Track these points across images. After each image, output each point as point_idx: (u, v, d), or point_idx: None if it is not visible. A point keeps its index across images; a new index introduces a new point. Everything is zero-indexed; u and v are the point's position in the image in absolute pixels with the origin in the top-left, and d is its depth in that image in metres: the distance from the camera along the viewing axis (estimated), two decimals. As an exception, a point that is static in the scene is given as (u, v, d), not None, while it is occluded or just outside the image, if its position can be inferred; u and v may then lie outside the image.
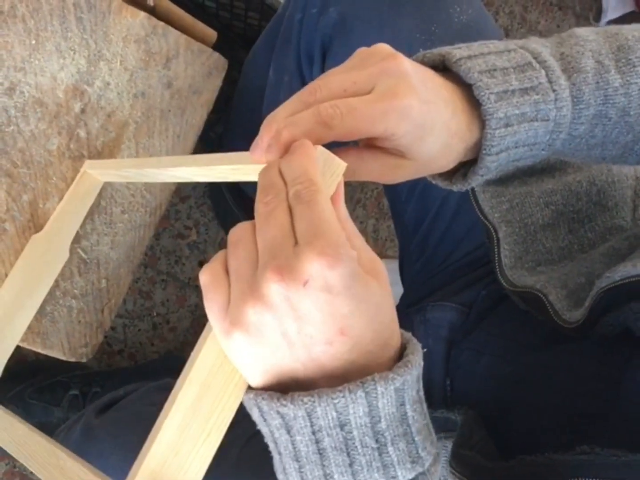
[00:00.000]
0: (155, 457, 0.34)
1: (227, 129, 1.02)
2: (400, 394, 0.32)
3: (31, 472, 0.57)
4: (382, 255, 1.34)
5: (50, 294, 0.69)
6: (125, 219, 0.75)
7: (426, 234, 0.74)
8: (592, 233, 0.62)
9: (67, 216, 0.69)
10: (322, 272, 0.30)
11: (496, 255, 0.62)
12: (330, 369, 0.32)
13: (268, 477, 0.37)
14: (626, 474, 0.41)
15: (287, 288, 0.30)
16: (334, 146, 0.37)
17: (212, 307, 0.33)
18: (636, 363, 0.49)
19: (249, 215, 0.67)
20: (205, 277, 0.34)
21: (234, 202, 1.08)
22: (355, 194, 1.31)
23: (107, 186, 0.73)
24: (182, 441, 0.34)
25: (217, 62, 0.80)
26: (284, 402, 0.32)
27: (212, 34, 0.81)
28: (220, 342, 0.34)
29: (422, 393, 0.35)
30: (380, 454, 0.32)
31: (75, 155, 0.71)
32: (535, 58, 0.42)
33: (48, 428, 0.85)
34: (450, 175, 0.46)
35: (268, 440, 0.35)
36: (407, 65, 0.38)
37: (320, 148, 0.35)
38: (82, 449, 0.63)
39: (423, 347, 0.35)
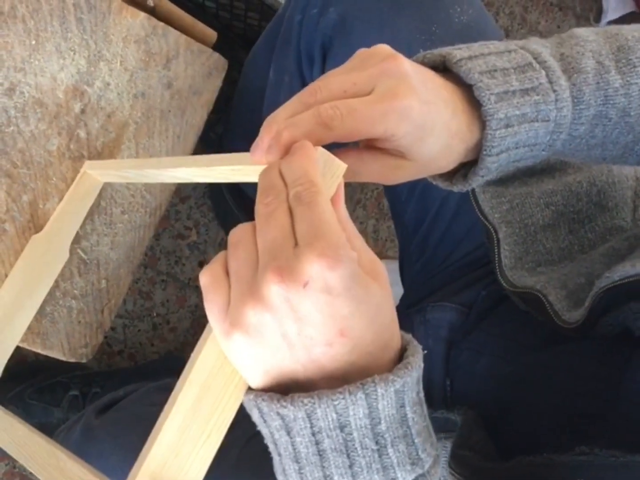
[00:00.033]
0: (156, 459, 0.34)
1: (227, 129, 1.02)
2: (400, 395, 0.32)
3: (31, 473, 0.57)
4: (382, 255, 1.34)
5: (50, 294, 0.69)
6: (125, 219, 0.75)
7: (426, 235, 0.74)
8: (592, 234, 0.62)
9: (67, 217, 0.69)
10: (322, 274, 0.30)
11: (496, 256, 0.62)
12: (330, 370, 0.32)
13: (268, 477, 0.37)
14: (625, 475, 0.41)
15: (287, 289, 0.30)
16: (335, 147, 0.37)
17: (212, 308, 0.33)
18: (636, 363, 0.49)
19: (249, 215, 0.67)
20: (205, 278, 0.34)
21: (234, 203, 1.08)
22: (355, 194, 1.31)
23: (107, 187, 0.73)
24: (182, 442, 0.34)
25: (217, 63, 0.80)
26: (284, 404, 0.32)
27: (212, 34, 0.81)
28: (220, 343, 0.34)
29: (422, 395, 0.35)
30: (380, 456, 0.32)
31: (75, 155, 0.71)
32: (535, 58, 0.42)
33: (48, 428, 0.85)
34: (450, 176, 0.46)
35: (268, 441, 0.35)
36: (407, 66, 0.38)
37: (321, 149, 0.35)
38: (82, 449, 0.63)
39: (423, 348, 0.35)
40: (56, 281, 0.69)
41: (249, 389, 0.35)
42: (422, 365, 0.34)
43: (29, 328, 0.67)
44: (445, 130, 0.39)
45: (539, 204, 0.63)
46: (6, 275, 0.66)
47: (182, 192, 1.13)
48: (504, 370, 0.59)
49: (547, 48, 0.43)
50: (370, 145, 0.40)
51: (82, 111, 0.71)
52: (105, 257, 0.74)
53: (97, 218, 0.73)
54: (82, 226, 0.71)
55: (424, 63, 0.42)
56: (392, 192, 0.77)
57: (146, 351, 1.09)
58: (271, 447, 0.35)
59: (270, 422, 0.33)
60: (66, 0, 0.69)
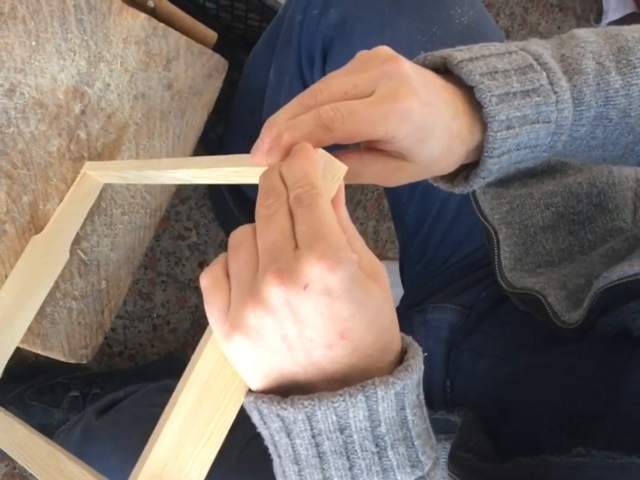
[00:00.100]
0: (156, 460, 0.34)
1: (228, 130, 1.02)
2: (400, 398, 0.32)
3: (31, 474, 0.57)
4: (382, 256, 1.34)
5: (50, 295, 0.69)
6: (125, 220, 0.75)
7: (427, 236, 0.74)
8: (593, 235, 0.62)
9: (67, 217, 0.69)
10: (323, 276, 0.30)
11: (496, 257, 0.62)
12: (330, 372, 0.32)
13: (268, 479, 0.37)
14: (622, 477, 0.41)
15: (287, 291, 0.30)
16: (335, 149, 0.37)
17: (213, 310, 0.33)
18: (635, 363, 0.49)
19: (249, 216, 0.67)
20: (205, 280, 0.34)
21: (234, 204, 1.08)
22: (356, 195, 1.31)
23: (107, 187, 0.73)
24: (182, 444, 0.34)
25: (218, 64, 0.80)
26: (284, 406, 0.32)
27: (212, 35, 0.81)
28: (221, 345, 0.34)
29: (422, 397, 0.35)
30: (380, 458, 0.32)
31: (75, 156, 0.71)
32: (536, 60, 0.42)
33: (48, 429, 0.85)
34: (451, 177, 0.46)
35: (268, 443, 0.35)
36: (407, 67, 0.38)
37: (321, 151, 0.35)
38: (82, 450, 0.63)
39: (423, 349, 0.35)
40: (56, 282, 0.69)
41: (249, 390, 0.35)
42: (422, 367, 0.34)
43: (29, 329, 0.67)
44: (446, 132, 0.39)
45: (539, 205, 0.63)
46: (6, 276, 0.66)
47: (183, 193, 1.13)
48: (504, 371, 0.59)
49: (547, 49, 0.43)
50: (371, 147, 0.40)
51: (83, 112, 0.71)
52: (106, 258, 0.74)
53: (97, 219, 0.73)
54: (82, 227, 0.71)
55: (424, 65, 0.42)
56: (393, 194, 0.77)
57: (146, 352, 1.09)
58: (271, 449, 0.35)
59: (270, 424, 0.33)
60: (66, 1, 0.69)
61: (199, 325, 1.14)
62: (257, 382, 0.34)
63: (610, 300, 0.49)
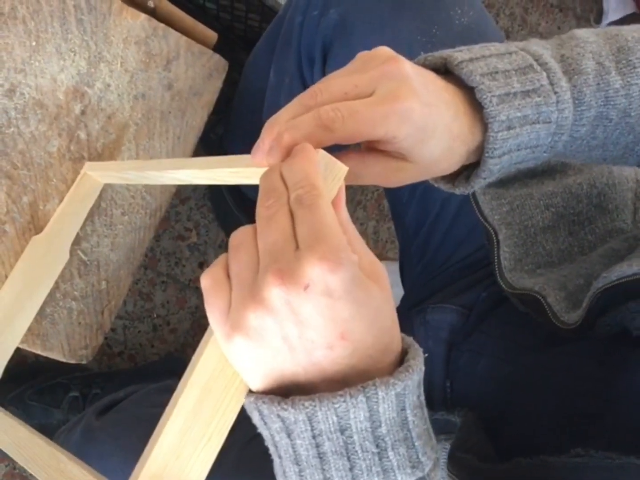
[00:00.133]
0: (157, 461, 0.34)
1: (228, 130, 1.02)
2: (401, 399, 0.32)
3: (31, 475, 0.57)
4: (382, 257, 1.34)
5: (50, 295, 0.69)
6: (125, 220, 0.75)
7: (427, 236, 0.74)
8: (593, 235, 0.62)
9: (67, 218, 0.69)
10: (323, 277, 0.30)
11: (496, 258, 0.62)
12: (331, 373, 0.32)
13: (268, 479, 0.37)
14: (621, 477, 0.41)
15: (288, 292, 0.30)
16: (336, 149, 0.37)
17: (213, 311, 0.33)
18: (634, 363, 0.49)
19: (250, 216, 0.67)
20: (206, 281, 0.34)
21: (234, 204, 1.08)
22: (356, 195, 1.31)
23: (107, 188, 0.73)
24: (183, 445, 0.34)
25: (218, 64, 0.80)
26: (285, 406, 0.32)
27: (212, 35, 0.81)
28: (221, 346, 0.34)
29: (422, 398, 0.35)
30: (380, 459, 0.32)
31: (75, 157, 0.71)
32: (536, 60, 0.42)
33: (48, 430, 0.85)
34: (452, 178, 0.46)
35: (268, 443, 0.35)
36: (408, 68, 0.38)
37: (322, 152, 0.35)
38: (82, 450, 0.63)
39: (423, 350, 0.35)
40: (56, 282, 0.69)
41: (250, 391, 0.35)
42: (423, 368, 0.34)
43: (29, 329, 0.67)
44: (447, 132, 0.39)
45: (539, 206, 0.63)
46: (6, 277, 0.66)
47: (183, 194, 1.13)
48: (503, 371, 0.59)
49: (547, 49, 0.43)
50: (371, 148, 0.40)
51: (83, 112, 0.71)
52: (106, 259, 0.74)
53: (98, 219, 0.73)
54: (82, 227, 0.71)
55: (425, 65, 0.42)
56: (393, 194, 0.77)
57: (146, 352, 1.09)
58: (272, 450, 0.35)
59: (270, 424, 0.33)
60: (66, 1, 0.69)
61: (199, 325, 1.14)
62: (258, 383, 0.34)
63: (610, 300, 0.49)
